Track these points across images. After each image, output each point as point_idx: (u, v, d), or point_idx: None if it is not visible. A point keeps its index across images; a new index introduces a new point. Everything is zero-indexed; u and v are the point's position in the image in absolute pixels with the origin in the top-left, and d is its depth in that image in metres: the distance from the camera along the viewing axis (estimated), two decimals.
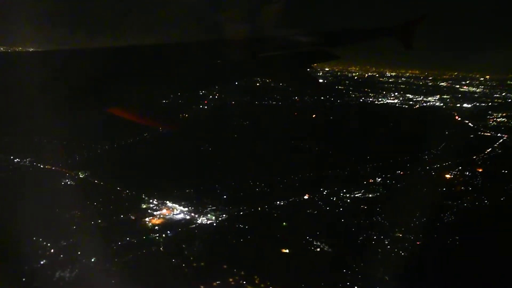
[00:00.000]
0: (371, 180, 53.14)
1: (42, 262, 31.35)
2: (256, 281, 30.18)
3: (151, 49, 5.06)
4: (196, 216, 40.64)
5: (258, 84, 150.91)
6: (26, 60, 4.04)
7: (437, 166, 59.94)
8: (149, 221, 39.29)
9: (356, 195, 47.37)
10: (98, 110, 4.03)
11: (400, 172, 56.90)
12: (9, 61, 3.97)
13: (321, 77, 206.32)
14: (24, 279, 29.24)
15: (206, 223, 39.36)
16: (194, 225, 38.87)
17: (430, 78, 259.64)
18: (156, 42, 5.32)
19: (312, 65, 6.85)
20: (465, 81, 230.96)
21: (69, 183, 47.58)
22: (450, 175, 56.72)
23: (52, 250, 33.11)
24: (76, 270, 30.48)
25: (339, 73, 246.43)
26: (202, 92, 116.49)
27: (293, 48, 6.43)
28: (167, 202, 43.28)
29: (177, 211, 41.36)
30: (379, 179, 53.77)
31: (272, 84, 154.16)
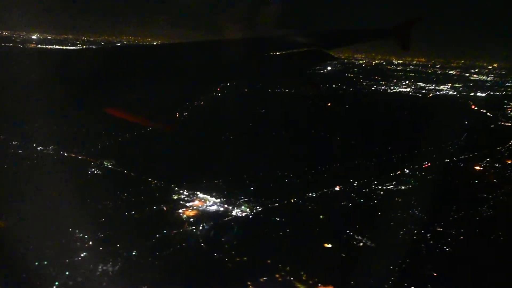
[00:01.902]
0: (399, 172, 52.19)
1: (83, 255, 30.52)
2: (304, 277, 29.42)
3: (149, 49, 5.10)
4: (230, 208, 39.79)
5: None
6: (25, 58, 4.14)
7: (464, 157, 59.00)
8: (183, 213, 38.46)
9: (388, 187, 46.47)
10: (94, 109, 4.08)
11: (428, 163, 55.91)
12: (9, 58, 4.06)
13: (329, 64, 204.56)
14: (67, 272, 28.41)
15: (242, 216, 38.52)
16: (229, 218, 38.04)
17: (438, 66, 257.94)
18: (155, 42, 4.85)
19: (310, 66, 6.91)
20: (474, 70, 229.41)
21: (95, 172, 46.70)
22: (480, 166, 55.79)
23: (90, 243, 32.30)
24: (119, 264, 29.68)
25: (345, 60, 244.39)
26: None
27: (290, 48, 6.33)
28: (198, 193, 42.40)
29: (210, 203, 40.51)
30: (407, 171, 52.82)
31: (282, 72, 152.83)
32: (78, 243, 32.22)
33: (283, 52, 6.13)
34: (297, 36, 6.81)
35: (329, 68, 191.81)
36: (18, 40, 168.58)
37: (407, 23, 7.78)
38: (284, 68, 6.00)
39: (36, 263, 29.26)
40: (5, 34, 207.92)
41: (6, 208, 35.69)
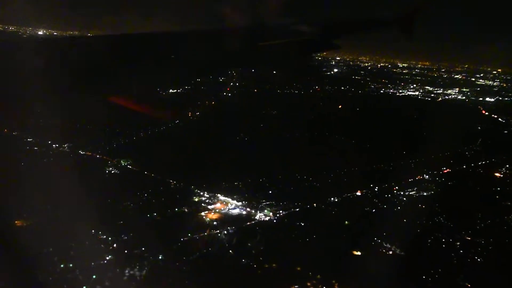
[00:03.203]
0: (419, 177, 51.49)
1: (108, 258, 29.72)
2: (335, 286, 28.67)
3: (151, 38, 4.96)
4: (253, 211, 39.03)
5: (274, 72, 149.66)
6: (29, 46, 4.00)
7: (482, 163, 58.32)
8: (205, 216, 37.67)
9: (410, 193, 45.73)
10: (99, 98, 4.09)
11: (447, 168, 55.23)
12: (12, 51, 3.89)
13: (335, 66, 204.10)
14: (94, 276, 27.61)
15: (266, 220, 37.76)
16: (253, 222, 37.27)
17: (443, 70, 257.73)
18: (157, 31, 5.39)
19: (312, 54, 6.51)
20: (479, 74, 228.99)
21: (113, 171, 45.92)
22: (500, 173, 55.09)
23: (115, 245, 31.51)
24: (146, 268, 28.88)
25: (351, 62, 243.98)
26: (222, 79, 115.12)
27: (293, 37, 6.34)
28: (219, 195, 41.64)
29: (232, 206, 39.74)
30: (427, 176, 52.13)
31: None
32: (102, 245, 31.41)
33: (283, 41, 6.09)
34: (301, 25, 6.71)
35: (335, 70, 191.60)
36: (24, 35, 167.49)
37: (411, 12, 7.63)
38: (284, 56, 5.99)
39: (62, 265, 28.47)
40: (11, 29, 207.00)
41: (24, 208, 34.86)
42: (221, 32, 5.92)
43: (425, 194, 45.65)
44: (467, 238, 36.62)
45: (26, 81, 3.48)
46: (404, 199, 44.35)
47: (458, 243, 35.59)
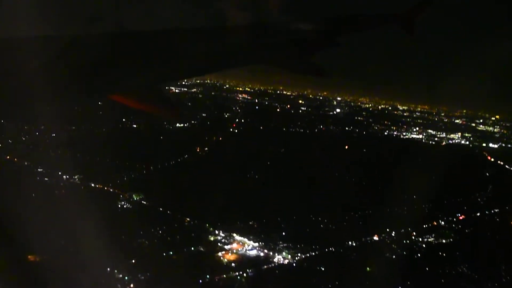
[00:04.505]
0: (435, 223, 50.59)
1: None
2: None
3: (152, 35, 4.95)
4: (270, 253, 37.92)
5: (278, 110, 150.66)
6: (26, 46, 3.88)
7: (496, 211, 57.56)
8: (222, 257, 36.51)
9: (429, 240, 44.69)
10: (100, 96, 4.13)
11: (462, 215, 54.40)
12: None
13: (337, 106, 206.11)
14: None
15: (284, 263, 36.63)
16: (272, 264, 36.13)
17: (443, 114, 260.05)
18: (158, 28, 5.16)
19: (315, 52, 6.60)
20: (479, 120, 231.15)
21: (125, 206, 44.85)
22: None
23: (132, 285, 30.17)
24: None
25: (352, 103, 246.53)
26: (227, 115, 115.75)
27: (295, 34, 6.27)
28: (234, 235, 40.53)
29: (249, 247, 38.64)
30: (442, 222, 51.24)
31: (293, 111, 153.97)
32: (119, 285, 30.08)
33: (286, 38, 6.12)
34: (303, 22, 6.70)
35: (338, 110, 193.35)
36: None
37: (415, 8, 7.59)
38: (290, 54, 5.94)
39: None
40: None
41: (36, 243, 33.48)
42: (220, 30, 5.89)
43: (444, 241, 44.61)
44: None
45: (29, 90, 3.36)
46: (424, 246, 43.33)
47: None
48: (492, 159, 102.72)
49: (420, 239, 44.45)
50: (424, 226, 49.73)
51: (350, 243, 42.02)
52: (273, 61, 6.21)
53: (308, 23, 6.77)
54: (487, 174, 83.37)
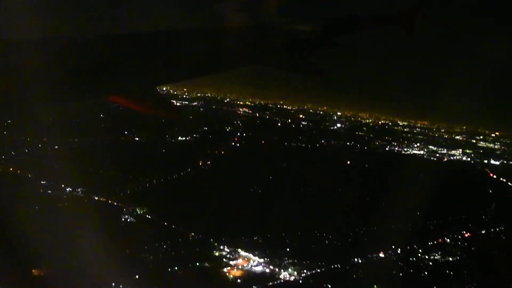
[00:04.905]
0: (441, 240, 50.14)
1: None
2: None
3: (150, 37, 5.01)
4: (276, 269, 37.46)
5: (279, 125, 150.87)
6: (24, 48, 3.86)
7: (502, 229, 57.12)
8: (228, 272, 36.06)
9: (435, 257, 44.21)
10: (98, 97, 4.22)
11: (467, 233, 53.97)
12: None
13: (337, 121, 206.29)
14: None
15: (291, 280, 36.13)
16: (279, 281, 35.60)
17: (443, 130, 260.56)
18: (155, 29, 5.22)
19: (313, 52, 6.49)
20: (479, 136, 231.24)
21: (129, 220, 44.42)
22: None
23: None
24: None
25: (352, 118, 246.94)
26: (228, 128, 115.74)
27: (293, 35, 6.23)
28: (239, 250, 40.06)
29: (254, 262, 38.15)
30: (448, 240, 50.79)
31: (293, 126, 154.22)
32: None
33: (285, 39, 6.06)
34: (301, 23, 6.71)
35: (338, 125, 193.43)
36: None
37: (415, 8, 7.47)
38: (288, 55, 5.86)
39: None
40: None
41: (40, 258, 32.99)
42: (219, 30, 5.95)
43: (450, 259, 44.13)
44: None
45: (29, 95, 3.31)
46: (430, 263, 42.86)
47: None
48: (494, 176, 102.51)
49: (426, 256, 43.98)
50: (429, 243, 49.28)
51: (356, 259, 41.45)
52: (272, 62, 6.15)
53: (307, 23, 6.76)
54: (490, 191, 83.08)
